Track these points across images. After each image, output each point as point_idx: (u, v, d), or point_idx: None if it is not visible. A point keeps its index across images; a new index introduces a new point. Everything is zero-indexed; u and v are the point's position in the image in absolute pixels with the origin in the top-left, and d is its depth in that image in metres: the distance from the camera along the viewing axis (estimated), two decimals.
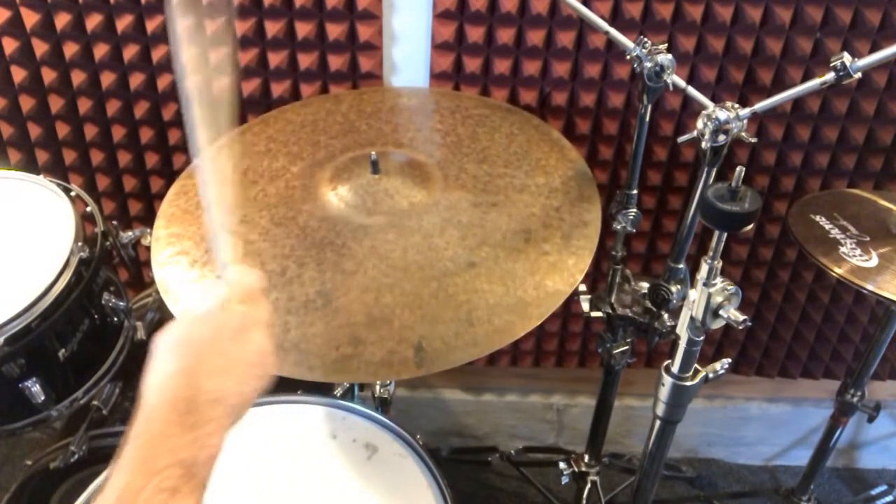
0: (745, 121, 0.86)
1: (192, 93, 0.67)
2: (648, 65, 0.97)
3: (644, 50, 0.97)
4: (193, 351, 0.61)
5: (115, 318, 1.16)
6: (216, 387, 0.60)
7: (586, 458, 1.54)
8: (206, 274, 0.95)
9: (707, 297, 0.77)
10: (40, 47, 1.31)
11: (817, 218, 1.25)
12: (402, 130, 1.20)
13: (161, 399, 0.58)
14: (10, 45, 1.31)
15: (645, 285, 1.22)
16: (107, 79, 1.35)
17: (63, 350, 1.06)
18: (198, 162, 0.68)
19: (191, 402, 0.58)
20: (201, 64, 0.68)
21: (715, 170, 0.92)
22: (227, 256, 0.69)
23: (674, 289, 1.12)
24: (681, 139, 0.95)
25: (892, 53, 0.80)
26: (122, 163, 1.46)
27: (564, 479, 1.55)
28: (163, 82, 1.35)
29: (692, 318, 0.80)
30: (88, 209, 1.15)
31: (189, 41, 0.68)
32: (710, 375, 0.88)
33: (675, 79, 0.97)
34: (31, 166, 1.45)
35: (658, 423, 0.95)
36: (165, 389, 0.59)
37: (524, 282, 0.93)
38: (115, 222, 1.21)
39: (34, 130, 1.41)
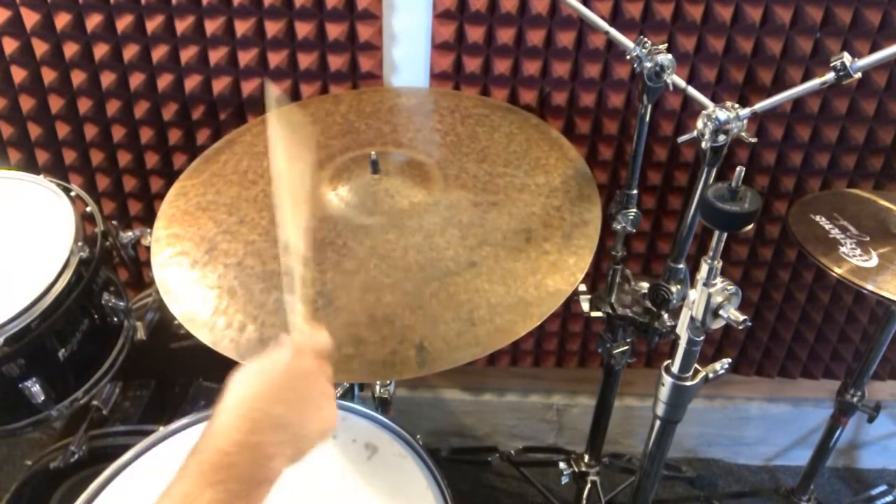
0: (745, 121, 0.86)
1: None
2: (648, 65, 0.97)
3: (644, 50, 0.97)
4: (267, 381, 0.66)
5: (115, 318, 1.16)
6: (282, 414, 0.64)
7: (586, 458, 1.54)
8: (206, 274, 0.95)
9: (707, 297, 0.77)
10: (40, 47, 1.31)
11: (817, 218, 1.25)
12: (401, 130, 1.20)
13: (229, 417, 0.62)
14: (10, 45, 1.31)
15: (645, 285, 1.22)
16: (107, 79, 1.35)
17: (63, 350, 1.06)
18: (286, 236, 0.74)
19: (256, 423, 0.62)
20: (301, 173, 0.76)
21: (715, 170, 0.92)
22: (301, 320, 0.74)
23: (674, 289, 1.12)
24: (681, 139, 0.95)
25: (892, 53, 0.80)
26: (122, 163, 1.46)
27: (564, 479, 1.55)
28: (163, 82, 1.35)
29: (692, 318, 0.80)
30: (88, 209, 1.15)
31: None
32: (710, 375, 0.88)
33: (675, 79, 0.97)
34: (31, 166, 1.45)
35: (658, 423, 0.95)
36: (235, 409, 0.63)
37: (525, 281, 0.93)
38: (115, 222, 1.21)
39: (34, 130, 1.41)
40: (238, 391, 0.65)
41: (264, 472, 0.61)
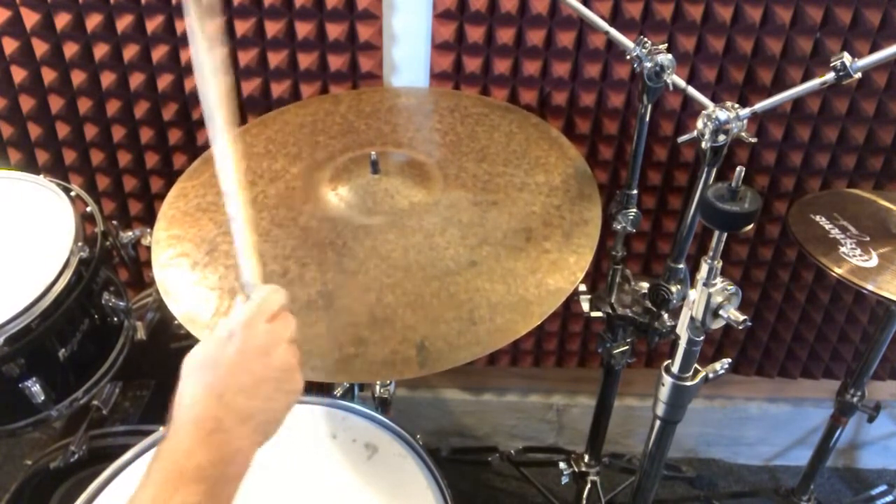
0: (745, 121, 0.86)
1: (222, 94, 0.68)
2: (648, 65, 0.97)
3: (644, 50, 0.97)
4: (220, 371, 0.62)
5: (115, 318, 1.16)
6: (243, 406, 0.61)
7: (586, 458, 1.54)
8: (206, 276, 0.95)
9: (707, 297, 0.77)
10: (40, 47, 1.31)
11: (817, 218, 1.25)
12: (401, 130, 1.20)
13: (188, 417, 0.60)
14: (10, 45, 1.31)
15: (645, 285, 1.22)
16: (107, 79, 1.35)
17: (63, 350, 1.06)
18: (225, 181, 0.69)
19: (218, 422, 0.59)
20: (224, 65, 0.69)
21: (715, 170, 0.92)
22: (252, 276, 0.70)
23: (674, 289, 1.12)
24: (681, 139, 0.95)
25: (892, 53, 0.80)
26: (122, 163, 1.46)
27: (564, 479, 1.55)
28: (163, 82, 1.35)
29: (692, 318, 0.80)
30: (88, 209, 1.15)
31: (218, 43, 0.70)
32: (710, 375, 0.88)
33: (675, 79, 0.97)
34: (31, 166, 1.45)
35: (658, 423, 0.95)
36: (193, 408, 0.60)
37: (525, 280, 0.93)
38: (115, 222, 1.21)
39: (34, 130, 1.41)
40: (195, 386, 0.61)
41: (234, 469, 0.60)
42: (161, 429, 1.02)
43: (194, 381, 0.62)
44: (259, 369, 0.63)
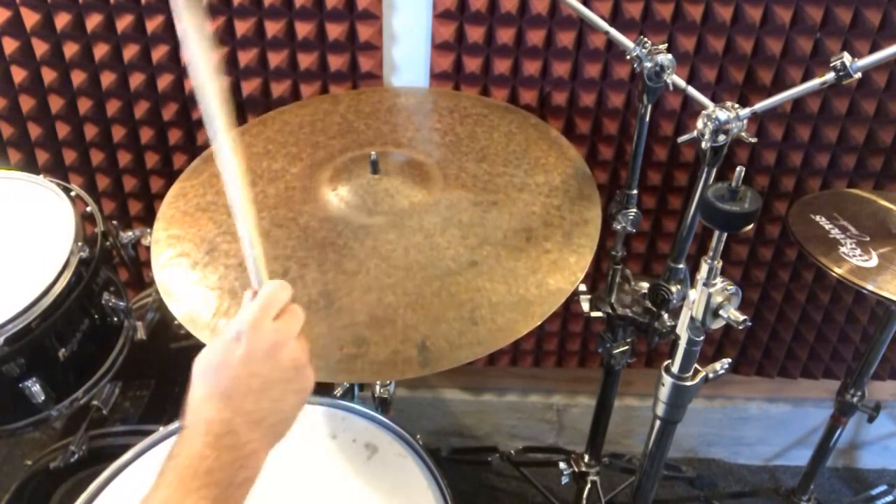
0: (745, 121, 0.86)
1: (220, 94, 0.68)
2: (648, 65, 0.97)
3: (644, 50, 0.97)
4: (228, 373, 0.62)
5: (115, 318, 1.16)
6: (253, 409, 0.61)
7: (586, 458, 1.54)
8: (206, 276, 0.95)
9: (707, 297, 0.77)
10: (40, 47, 1.31)
11: (817, 218, 1.25)
12: (400, 130, 1.20)
13: (199, 420, 0.60)
14: (10, 45, 1.31)
15: (645, 285, 1.22)
16: (107, 79, 1.35)
17: (63, 350, 1.06)
18: (229, 182, 0.68)
19: (228, 424, 0.60)
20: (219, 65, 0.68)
21: (715, 170, 0.92)
22: (260, 274, 0.70)
23: (674, 289, 1.12)
24: (681, 139, 0.95)
25: (892, 53, 0.80)
26: (122, 163, 1.46)
27: (564, 479, 1.55)
28: (163, 82, 1.35)
29: (692, 318, 0.80)
30: (88, 209, 1.15)
31: (213, 43, 0.68)
32: (710, 375, 0.88)
33: (675, 79, 0.97)
34: (31, 166, 1.45)
35: (658, 423, 0.95)
36: (203, 411, 0.60)
37: (526, 280, 0.93)
38: (115, 222, 1.21)
39: (34, 130, 1.41)
40: (204, 389, 0.62)
41: (245, 473, 0.60)
42: (161, 429, 1.02)
43: (203, 383, 0.62)
44: (267, 371, 0.63)
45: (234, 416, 0.60)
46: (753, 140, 0.91)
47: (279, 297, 0.67)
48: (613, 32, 0.98)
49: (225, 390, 0.61)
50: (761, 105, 0.86)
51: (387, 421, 1.04)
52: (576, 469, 1.55)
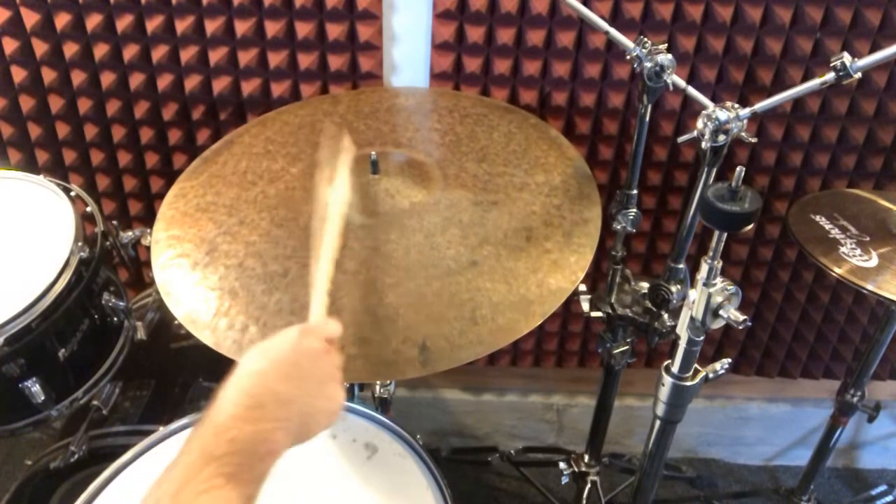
0: (745, 121, 0.86)
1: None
2: (648, 65, 0.97)
3: (644, 50, 0.97)
4: (271, 358, 0.68)
5: (115, 318, 1.16)
6: (284, 391, 0.65)
7: (586, 458, 1.54)
8: (206, 276, 0.95)
9: (707, 297, 0.77)
10: (40, 47, 1.31)
11: (817, 218, 1.25)
12: (400, 130, 1.20)
13: (232, 392, 0.63)
14: (10, 45, 1.31)
15: (645, 285, 1.22)
16: (107, 79, 1.35)
17: (63, 350, 1.06)
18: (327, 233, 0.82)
19: (258, 398, 0.63)
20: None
21: (715, 170, 0.92)
22: (319, 309, 0.78)
23: (674, 289, 1.12)
24: (681, 139, 0.95)
25: (892, 53, 0.80)
26: (122, 163, 1.46)
27: (564, 479, 1.55)
28: (163, 82, 1.35)
29: (692, 318, 0.80)
30: (88, 209, 1.15)
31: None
32: (710, 375, 0.88)
33: (675, 79, 0.97)
34: (31, 166, 1.45)
35: (658, 423, 0.95)
36: (237, 385, 0.64)
37: (526, 280, 0.93)
38: (115, 222, 1.21)
39: (34, 130, 1.41)
40: (243, 368, 0.66)
41: (266, 446, 0.62)
42: (161, 429, 1.02)
43: (245, 364, 0.66)
44: (306, 366, 0.69)
45: (265, 392, 0.64)
46: (753, 140, 0.91)
47: (332, 329, 0.76)
48: (613, 32, 0.98)
49: (263, 370, 0.66)
50: (761, 105, 0.86)
51: (387, 421, 1.04)
52: (576, 469, 1.55)
